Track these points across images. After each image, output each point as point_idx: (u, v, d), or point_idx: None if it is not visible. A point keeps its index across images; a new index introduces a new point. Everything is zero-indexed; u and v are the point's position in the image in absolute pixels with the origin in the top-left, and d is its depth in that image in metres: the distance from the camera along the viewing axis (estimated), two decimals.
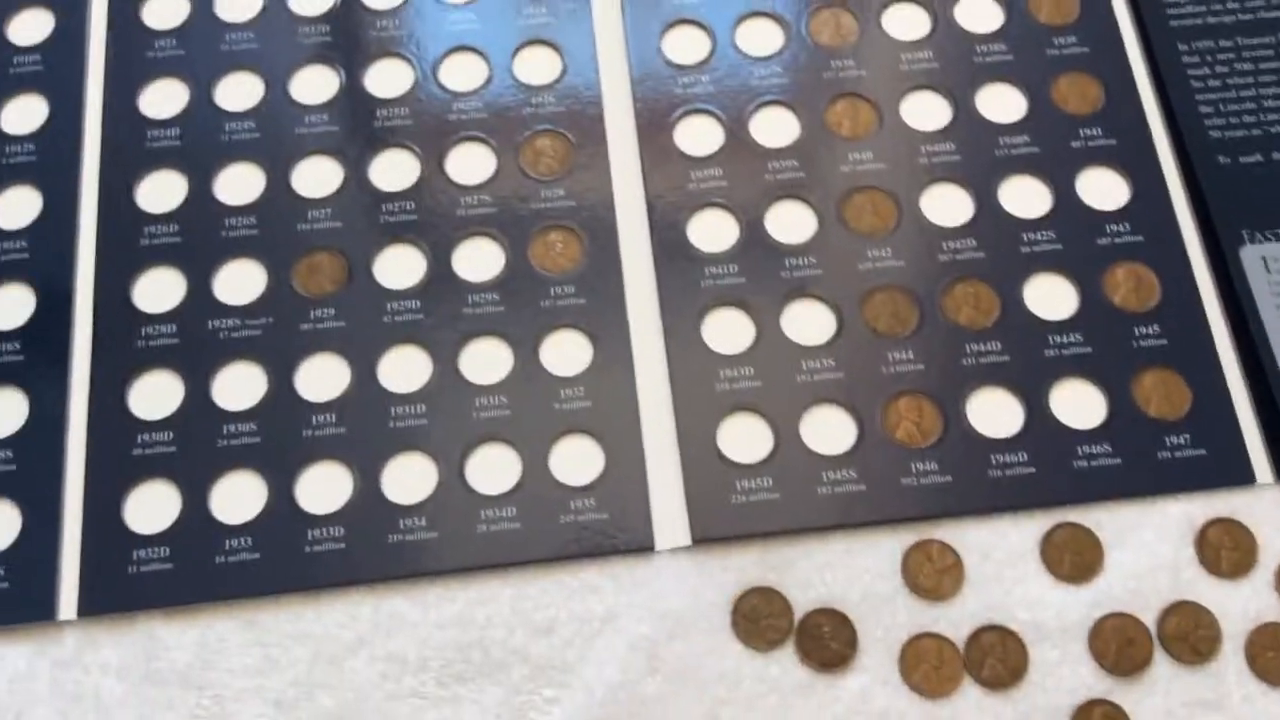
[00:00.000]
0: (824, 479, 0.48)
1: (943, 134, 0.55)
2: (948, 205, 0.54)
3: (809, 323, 0.51)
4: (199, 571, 0.46)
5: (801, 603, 0.47)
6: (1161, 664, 0.45)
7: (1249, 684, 0.45)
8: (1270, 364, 0.49)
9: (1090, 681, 0.45)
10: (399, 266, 0.52)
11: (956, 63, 0.56)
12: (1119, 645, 0.45)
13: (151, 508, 0.47)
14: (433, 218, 0.53)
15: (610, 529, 0.48)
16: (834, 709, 0.45)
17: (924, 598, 0.47)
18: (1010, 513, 0.48)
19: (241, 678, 0.45)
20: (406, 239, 0.52)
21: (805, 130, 0.55)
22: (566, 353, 0.51)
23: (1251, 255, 0.51)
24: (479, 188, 0.53)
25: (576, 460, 0.49)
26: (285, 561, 0.47)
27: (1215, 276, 0.52)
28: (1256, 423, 0.49)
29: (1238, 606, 0.46)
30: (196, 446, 0.48)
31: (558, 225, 0.53)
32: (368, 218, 0.53)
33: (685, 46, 0.57)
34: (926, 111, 0.55)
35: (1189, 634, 0.46)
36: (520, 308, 0.51)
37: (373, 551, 0.47)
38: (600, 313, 0.51)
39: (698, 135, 0.55)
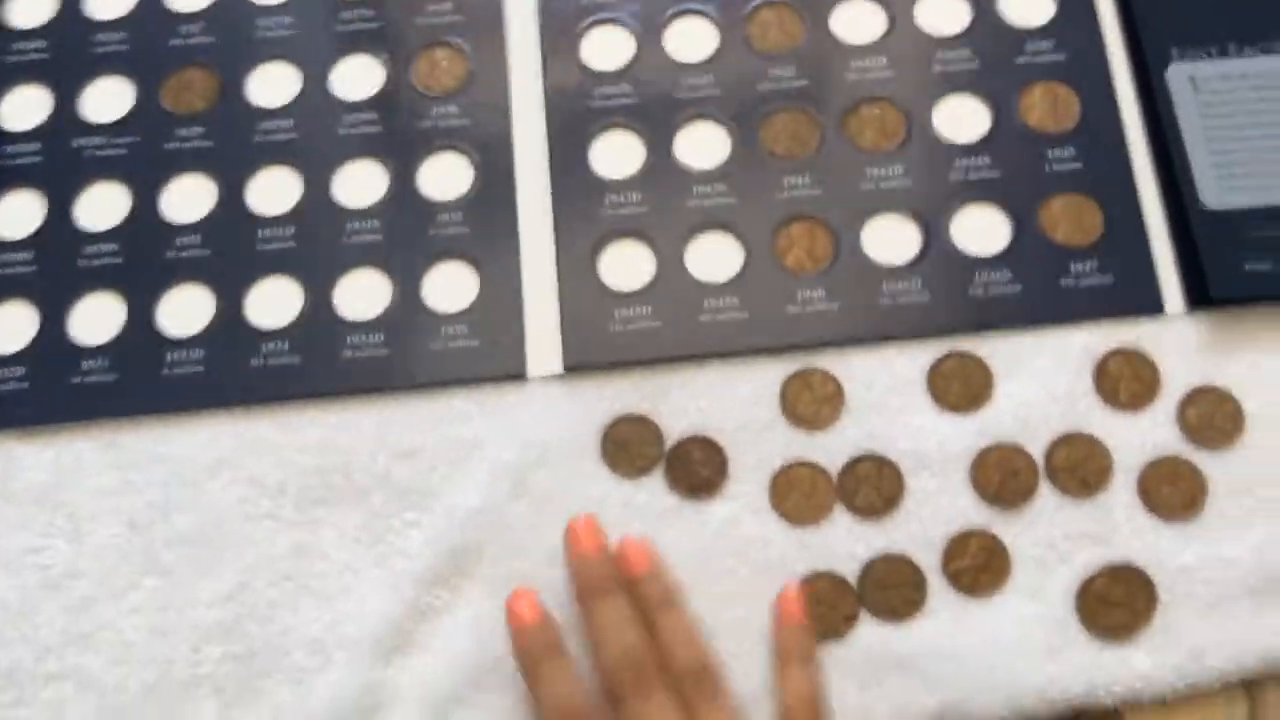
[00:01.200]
0: (706, 306, 0.46)
1: None
2: (858, 21, 0.51)
3: (703, 145, 0.49)
4: (55, 392, 0.46)
5: (675, 430, 0.45)
6: (1047, 496, 0.43)
7: (1139, 517, 0.43)
8: (1189, 190, 0.46)
9: (969, 512, 0.43)
10: (273, 84, 0.50)
11: None
12: (1002, 476, 0.43)
13: (8, 327, 0.47)
14: (310, 33, 0.50)
15: (481, 356, 0.46)
16: (699, 534, 0.43)
17: (802, 427, 0.44)
18: (899, 341, 0.45)
19: (97, 498, 0.44)
20: (281, 56, 0.50)
21: None
22: (446, 176, 0.49)
23: (1179, 74, 0.48)
24: (360, 1, 0.50)
25: (451, 286, 0.47)
26: (143, 384, 0.46)
27: (1140, 98, 0.48)
28: (1171, 251, 0.46)
29: (1135, 439, 0.44)
30: (56, 266, 0.47)
31: (443, 42, 0.51)
32: (242, 34, 0.50)
33: None
34: None
35: (1078, 466, 0.43)
36: (399, 128, 0.49)
37: (234, 375, 0.46)
38: (484, 134, 0.49)
39: None
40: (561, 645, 0.39)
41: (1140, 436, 0.44)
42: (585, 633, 0.39)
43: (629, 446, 0.44)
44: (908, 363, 0.45)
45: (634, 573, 0.40)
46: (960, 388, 0.44)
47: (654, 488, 0.44)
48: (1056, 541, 0.42)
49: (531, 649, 0.39)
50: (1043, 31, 0.49)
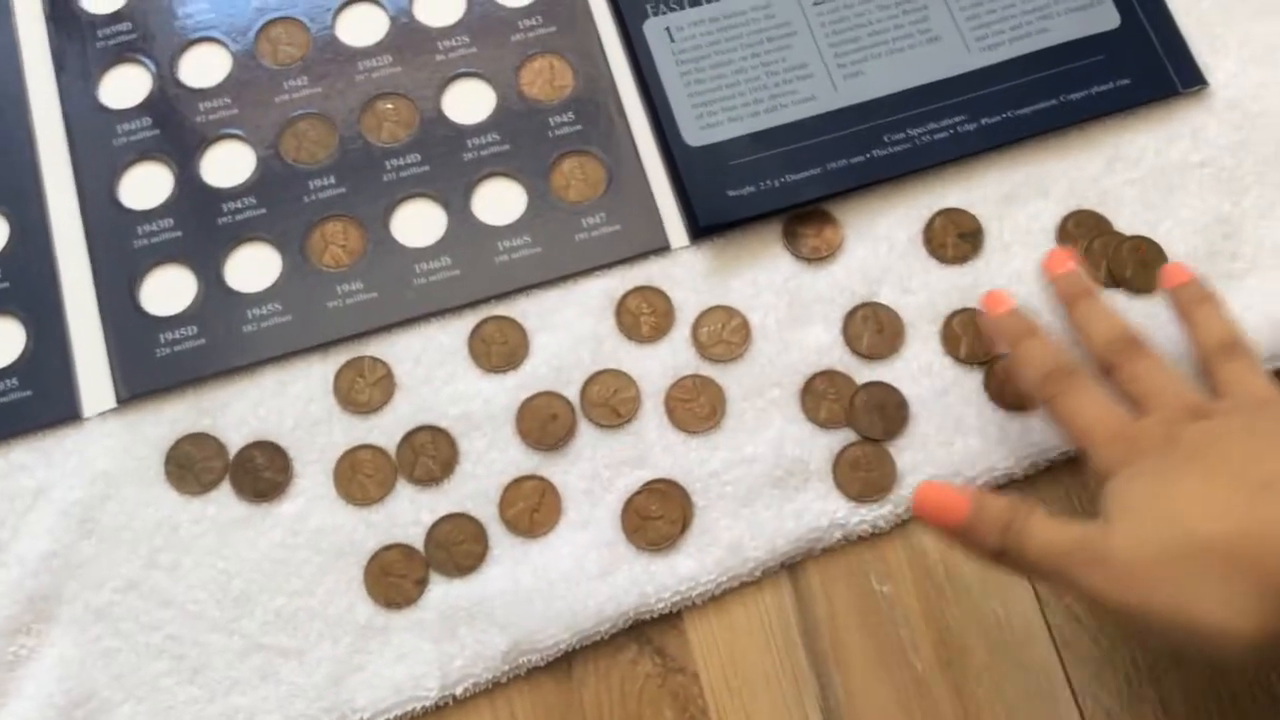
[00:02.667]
0: (249, 317, 0.48)
1: None
2: (362, 26, 0.53)
3: (227, 164, 0.51)
4: None
5: (236, 441, 0.46)
6: (585, 432, 0.47)
7: (668, 435, 0.47)
8: (673, 132, 0.50)
9: (519, 460, 0.47)
10: None
11: None
12: (543, 422, 0.47)
13: None
14: None
15: (34, 405, 0.47)
16: (271, 535, 0.45)
17: (357, 413, 0.47)
18: (438, 317, 0.48)
19: None
20: None
21: None
22: None
23: (655, 27, 0.52)
24: None
25: None
26: None
27: (628, 55, 0.52)
28: (671, 191, 0.50)
29: (657, 366, 0.48)
30: None
31: None
32: None
33: None
34: None
35: (609, 399, 0.47)
36: None
37: None
38: (13, 186, 0.51)
39: None
40: (1038, 326, 0.43)
41: (661, 364, 0.48)
42: (1073, 330, 0.43)
43: (192, 464, 0.46)
44: (448, 335, 0.48)
45: None
46: (499, 349, 0.48)
47: (222, 500, 0.46)
48: (599, 471, 0.46)
49: (1006, 332, 0.44)
50: (531, 9, 0.53)
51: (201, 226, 0.49)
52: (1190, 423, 0.38)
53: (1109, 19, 0.52)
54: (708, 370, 0.48)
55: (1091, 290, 0.44)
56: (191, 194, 0.50)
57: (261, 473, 0.46)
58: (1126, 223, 0.50)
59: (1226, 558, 0.33)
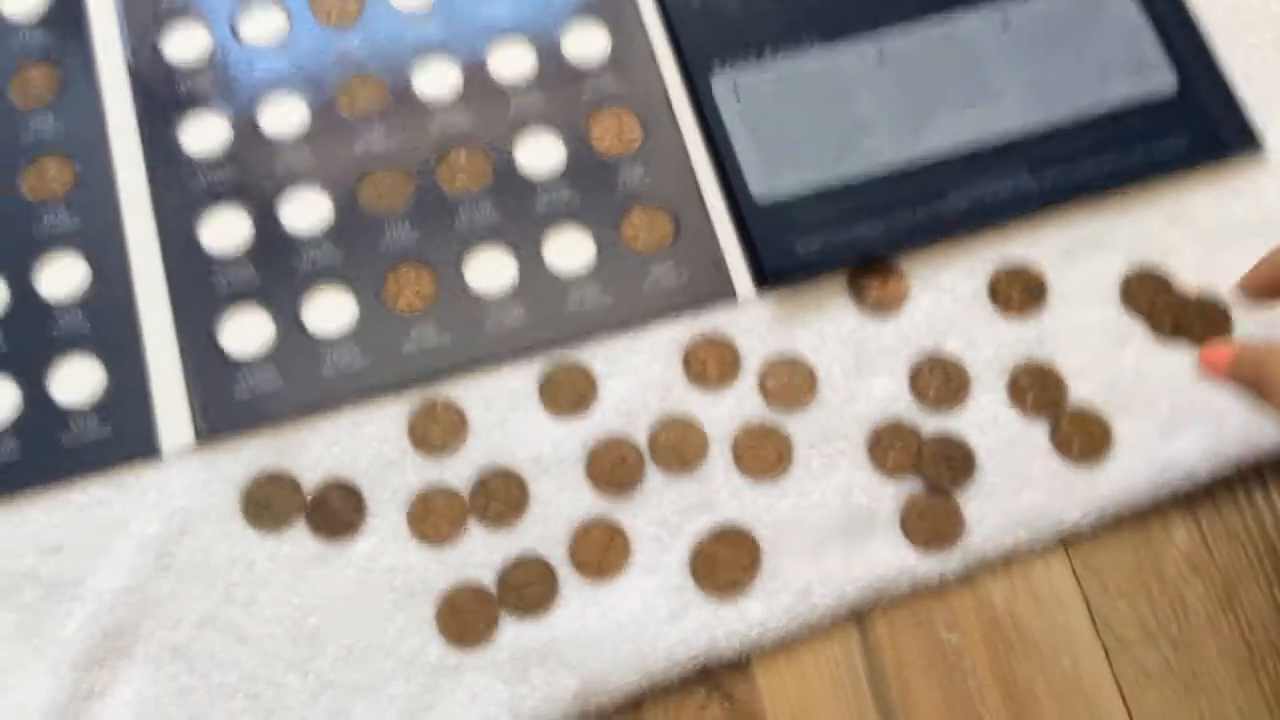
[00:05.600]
0: (327, 360, 0.49)
1: (426, 13, 0.56)
2: (437, 81, 0.54)
3: (306, 210, 0.52)
4: None
5: (312, 480, 0.47)
6: (654, 477, 0.48)
7: (735, 480, 0.48)
8: (741, 185, 0.51)
9: (588, 504, 0.47)
10: None
11: None
12: (612, 465, 0.47)
13: None
14: None
15: (114, 441, 0.48)
16: (345, 573, 0.46)
17: (431, 455, 0.48)
18: (510, 362, 0.49)
19: None
20: None
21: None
22: (63, 276, 0.50)
23: (722, 83, 0.53)
24: None
25: (76, 380, 0.49)
26: None
27: (695, 110, 0.54)
28: (737, 242, 0.51)
29: (724, 413, 0.49)
30: None
31: (54, 153, 0.52)
32: None
33: None
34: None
35: (677, 444, 0.48)
36: (8, 235, 0.50)
37: None
38: (95, 229, 0.52)
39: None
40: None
41: (729, 410, 0.49)
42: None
43: (270, 502, 0.47)
44: (520, 380, 0.49)
45: None
46: (569, 393, 0.49)
47: (298, 538, 0.47)
48: (667, 516, 0.47)
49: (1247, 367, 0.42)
50: (600, 64, 0.54)
51: (280, 271, 0.50)
52: None
53: (1166, 80, 0.53)
54: (774, 418, 0.49)
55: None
56: (270, 239, 0.51)
57: (337, 512, 0.47)
58: (1187, 279, 0.50)
59: None
